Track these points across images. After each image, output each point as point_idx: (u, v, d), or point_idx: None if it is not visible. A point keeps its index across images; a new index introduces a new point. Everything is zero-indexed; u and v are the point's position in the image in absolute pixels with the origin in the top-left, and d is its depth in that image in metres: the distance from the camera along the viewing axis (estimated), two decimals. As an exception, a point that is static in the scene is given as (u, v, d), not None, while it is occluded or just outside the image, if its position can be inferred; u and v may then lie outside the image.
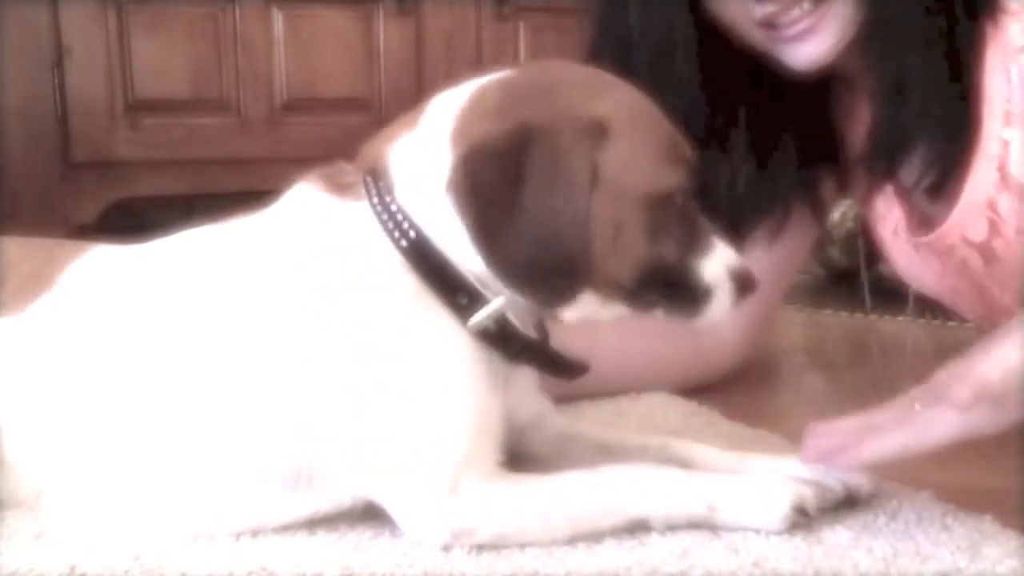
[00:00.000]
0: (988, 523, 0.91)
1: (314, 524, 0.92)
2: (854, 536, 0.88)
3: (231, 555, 0.87)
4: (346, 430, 0.86)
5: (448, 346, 0.87)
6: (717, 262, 0.90)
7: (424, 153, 0.89)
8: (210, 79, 2.45)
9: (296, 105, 2.55)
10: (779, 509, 0.87)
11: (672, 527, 0.87)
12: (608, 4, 1.22)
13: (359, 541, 0.90)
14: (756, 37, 1.13)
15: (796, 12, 1.08)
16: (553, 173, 0.81)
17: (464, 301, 0.86)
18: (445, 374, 0.87)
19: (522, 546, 0.86)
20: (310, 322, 0.86)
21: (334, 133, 2.55)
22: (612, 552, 0.86)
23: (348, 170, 0.93)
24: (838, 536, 0.88)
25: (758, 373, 1.52)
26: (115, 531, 0.90)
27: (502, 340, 0.89)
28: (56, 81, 2.26)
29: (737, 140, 1.24)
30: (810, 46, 1.10)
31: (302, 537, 0.91)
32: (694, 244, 0.89)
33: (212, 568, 0.85)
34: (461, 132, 0.86)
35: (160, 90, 2.39)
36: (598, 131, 0.84)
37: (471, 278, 0.87)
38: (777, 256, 1.36)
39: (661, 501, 0.87)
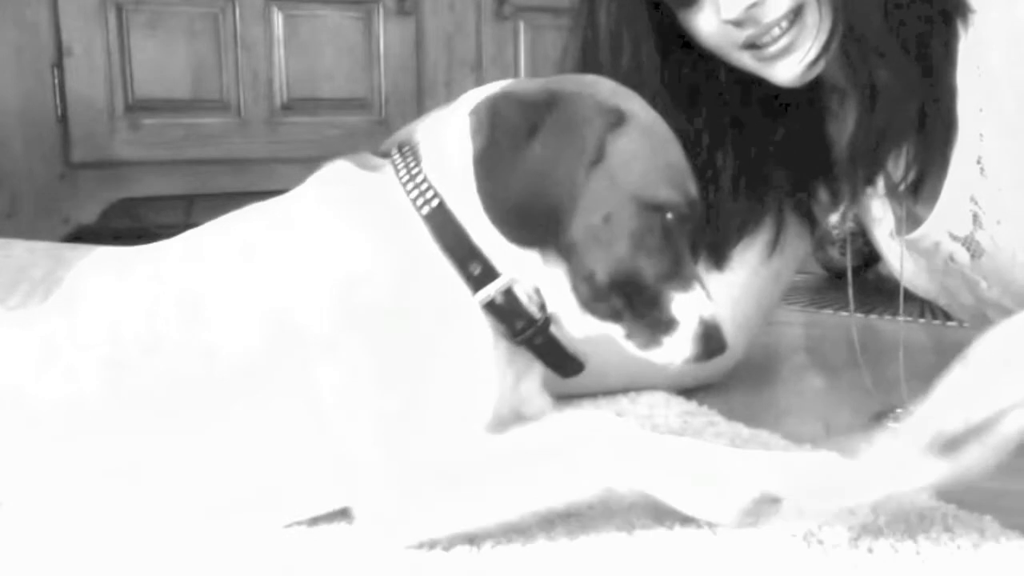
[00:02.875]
0: (989, 523, 0.91)
1: (316, 517, 0.93)
2: (854, 536, 0.88)
3: (229, 551, 0.87)
4: (350, 390, 0.87)
5: (457, 315, 0.89)
6: (691, 304, 0.90)
7: (454, 123, 0.92)
8: (210, 79, 2.44)
9: (296, 105, 2.55)
10: (737, 500, 0.82)
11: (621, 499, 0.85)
12: (583, 40, 1.22)
13: (360, 535, 0.90)
14: (742, 60, 1.16)
15: (776, 31, 1.11)
16: (565, 132, 0.86)
17: (476, 271, 0.89)
18: (449, 342, 0.88)
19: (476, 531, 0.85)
20: (329, 283, 0.88)
21: (334, 133, 2.55)
22: (609, 551, 0.86)
23: (376, 157, 0.96)
24: (838, 536, 0.88)
25: (758, 373, 1.52)
26: (122, 522, 0.90)
27: (508, 315, 0.90)
28: (56, 81, 2.26)
29: (725, 164, 1.26)
30: (793, 61, 1.13)
31: (302, 532, 0.91)
32: (674, 275, 0.90)
33: (212, 562, 0.85)
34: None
35: (160, 90, 2.39)
36: (616, 118, 0.88)
37: (486, 251, 0.89)
38: (773, 257, 1.37)
39: (612, 470, 0.84)
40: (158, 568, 0.85)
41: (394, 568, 0.85)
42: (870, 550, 0.86)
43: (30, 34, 2.22)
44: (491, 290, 0.89)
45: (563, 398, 1.11)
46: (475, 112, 0.90)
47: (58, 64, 2.25)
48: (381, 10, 2.63)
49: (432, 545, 0.88)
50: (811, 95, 1.25)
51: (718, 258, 1.33)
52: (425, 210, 0.90)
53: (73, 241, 2.26)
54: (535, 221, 0.86)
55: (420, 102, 2.67)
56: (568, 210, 0.86)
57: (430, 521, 0.86)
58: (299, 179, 0.99)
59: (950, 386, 0.80)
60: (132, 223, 2.54)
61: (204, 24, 2.42)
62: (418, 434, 0.86)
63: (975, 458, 0.78)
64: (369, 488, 0.87)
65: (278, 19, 2.51)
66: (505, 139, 0.87)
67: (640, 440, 0.85)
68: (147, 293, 0.93)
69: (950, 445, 0.78)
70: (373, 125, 2.63)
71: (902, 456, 0.80)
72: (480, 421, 0.89)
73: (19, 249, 1.01)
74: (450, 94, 2.66)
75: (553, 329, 0.93)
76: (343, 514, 0.93)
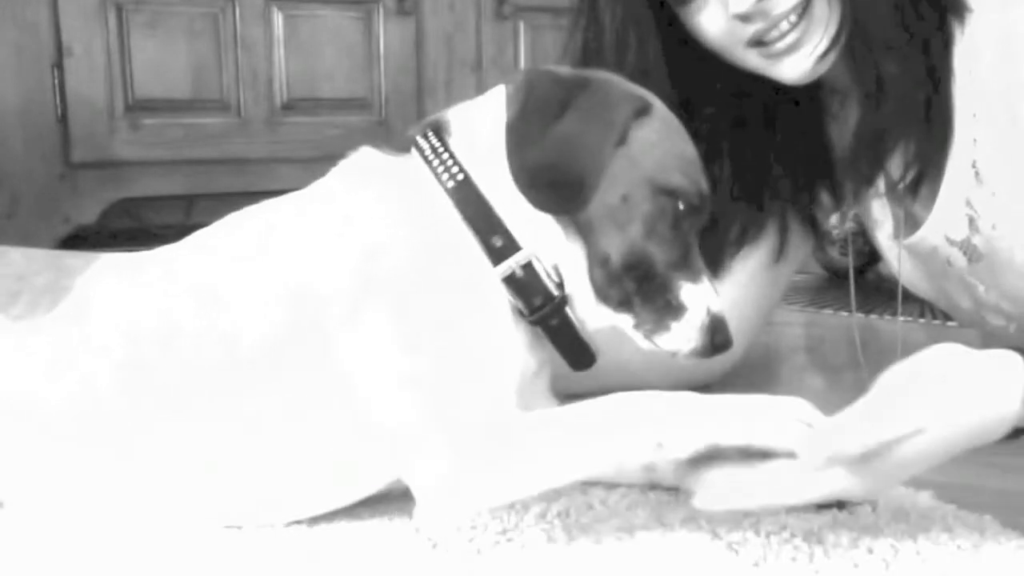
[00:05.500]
0: (988, 523, 0.91)
1: (316, 517, 0.93)
2: (854, 536, 0.88)
3: (229, 551, 0.87)
4: (385, 364, 0.87)
5: (476, 285, 0.90)
6: (700, 294, 0.92)
7: (486, 103, 0.95)
8: (210, 79, 2.44)
9: (296, 105, 2.55)
10: (794, 425, 0.83)
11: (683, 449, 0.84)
12: (584, 42, 1.22)
13: (359, 535, 0.90)
14: (748, 58, 1.14)
15: (784, 26, 1.10)
16: (596, 111, 0.90)
17: (498, 243, 0.91)
18: (469, 310, 0.89)
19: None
20: (352, 261, 0.88)
21: (334, 133, 2.55)
22: (611, 551, 0.86)
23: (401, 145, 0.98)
24: (838, 536, 0.88)
25: (758, 373, 1.52)
26: (125, 522, 0.90)
27: (527, 289, 0.91)
28: (56, 81, 2.26)
29: (724, 168, 1.26)
30: (800, 57, 1.12)
31: (302, 531, 0.91)
32: (683, 265, 0.92)
33: (212, 562, 0.85)
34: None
35: (160, 90, 2.39)
36: (641, 107, 0.92)
37: (509, 225, 0.91)
38: (776, 262, 1.37)
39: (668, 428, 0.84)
40: (158, 568, 0.86)
41: (394, 568, 0.85)
42: (870, 550, 0.86)
43: (30, 34, 2.22)
44: (512, 262, 0.90)
45: (564, 398, 1.11)
46: (511, 83, 0.93)
47: (58, 64, 2.25)
48: (381, 10, 2.63)
49: (435, 544, 0.88)
50: (811, 97, 1.25)
51: (717, 264, 1.32)
52: (450, 184, 0.91)
53: (73, 241, 2.26)
54: (561, 186, 0.88)
55: (420, 102, 2.67)
56: (593, 182, 0.88)
57: (489, 486, 0.85)
58: (299, 179, 0.99)
59: (854, 410, 0.84)
60: (132, 223, 2.54)
61: (204, 24, 2.42)
62: (450, 392, 0.85)
63: (872, 480, 0.84)
64: (419, 454, 0.86)
65: (278, 19, 2.51)
66: (538, 109, 0.90)
67: (685, 396, 0.85)
68: (159, 291, 0.93)
69: (849, 465, 0.82)
70: (373, 125, 2.63)
71: (800, 469, 0.83)
72: (508, 384, 0.89)
73: (17, 256, 1.00)
74: (450, 94, 2.66)
75: (569, 311, 0.93)
76: (343, 513, 0.93)
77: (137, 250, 0.99)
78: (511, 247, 0.91)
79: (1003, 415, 0.85)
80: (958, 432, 0.84)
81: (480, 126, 0.94)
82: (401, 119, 2.61)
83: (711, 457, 0.86)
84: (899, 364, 0.87)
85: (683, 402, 0.85)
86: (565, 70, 0.95)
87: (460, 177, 0.92)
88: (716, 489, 0.87)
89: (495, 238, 0.91)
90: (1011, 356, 0.87)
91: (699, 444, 0.83)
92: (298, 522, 0.93)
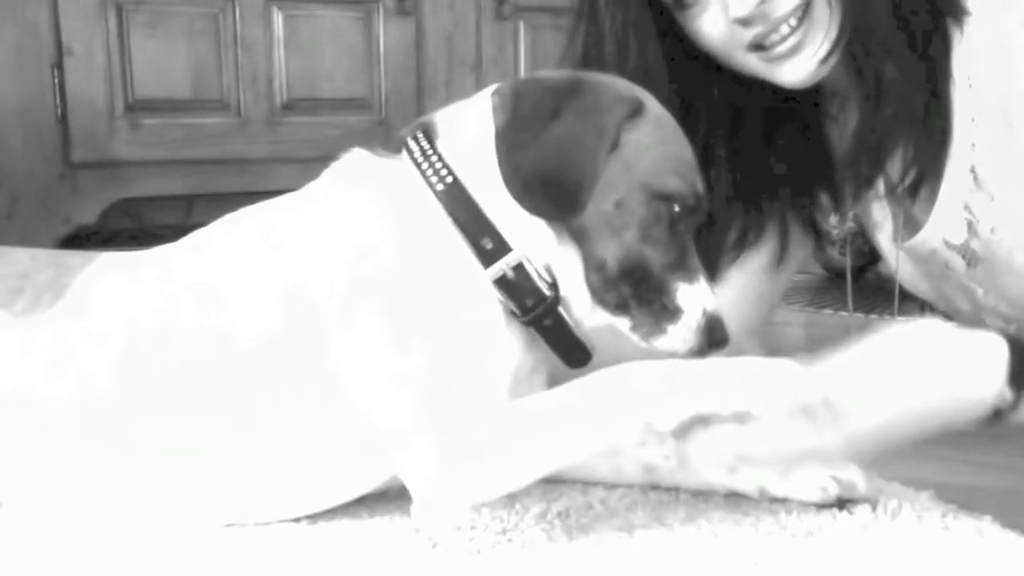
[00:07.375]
0: (988, 523, 0.91)
1: (315, 517, 0.93)
2: (854, 536, 0.88)
3: (230, 547, 0.87)
4: (380, 365, 0.87)
5: (467, 287, 0.90)
6: (696, 295, 0.92)
7: (474, 106, 0.95)
8: (210, 79, 2.44)
9: (296, 105, 2.55)
10: (780, 395, 0.84)
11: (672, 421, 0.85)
12: (584, 47, 1.21)
13: (359, 535, 0.90)
14: (749, 62, 1.14)
15: (784, 29, 1.09)
16: (587, 116, 0.89)
17: (489, 246, 0.91)
18: (460, 310, 0.90)
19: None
20: (343, 264, 0.89)
21: (334, 133, 2.55)
22: (611, 551, 0.86)
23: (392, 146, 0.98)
24: (838, 536, 0.88)
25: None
26: (125, 521, 0.91)
27: (519, 291, 0.91)
28: (56, 81, 2.25)
29: (721, 172, 1.25)
30: (801, 61, 1.12)
31: (303, 530, 0.91)
32: (679, 267, 0.92)
33: (212, 561, 0.85)
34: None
35: (160, 90, 2.38)
36: (635, 108, 0.92)
37: (499, 228, 0.91)
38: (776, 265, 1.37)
39: (655, 407, 0.85)
40: (158, 568, 0.86)
41: (394, 568, 0.85)
42: (870, 550, 0.86)
43: (30, 34, 2.22)
44: (502, 264, 0.90)
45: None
46: (498, 93, 0.93)
47: (58, 64, 2.25)
48: (381, 10, 2.63)
49: (435, 544, 0.88)
50: (811, 100, 1.24)
51: (717, 268, 1.32)
52: (440, 187, 0.92)
53: (73, 241, 2.26)
54: (556, 192, 0.88)
55: (420, 102, 2.67)
56: (588, 188, 0.88)
57: (482, 478, 0.85)
58: (299, 179, 0.99)
59: (826, 363, 0.88)
60: (132, 223, 2.53)
61: (204, 24, 2.42)
62: (442, 391, 0.86)
63: (841, 443, 0.86)
64: (412, 451, 0.86)
65: (278, 19, 2.51)
66: (528, 115, 0.89)
67: (669, 366, 0.86)
68: (158, 289, 0.93)
69: (813, 419, 0.84)
70: (373, 125, 2.63)
71: (771, 420, 0.86)
72: (500, 383, 0.90)
73: (21, 256, 1.01)
74: (450, 94, 2.65)
75: (562, 310, 0.93)
76: (343, 513, 0.93)
77: (137, 250, 1.00)
78: (501, 249, 0.91)
79: (981, 395, 0.85)
80: (932, 406, 0.85)
81: (466, 129, 0.94)
82: (401, 119, 2.60)
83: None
84: (884, 330, 0.87)
85: (668, 375, 0.85)
86: (556, 74, 0.95)
87: (449, 180, 0.92)
88: (699, 441, 0.91)
89: (485, 240, 0.91)
90: (995, 338, 0.88)
91: (684, 416, 0.84)
92: (298, 521, 0.93)
